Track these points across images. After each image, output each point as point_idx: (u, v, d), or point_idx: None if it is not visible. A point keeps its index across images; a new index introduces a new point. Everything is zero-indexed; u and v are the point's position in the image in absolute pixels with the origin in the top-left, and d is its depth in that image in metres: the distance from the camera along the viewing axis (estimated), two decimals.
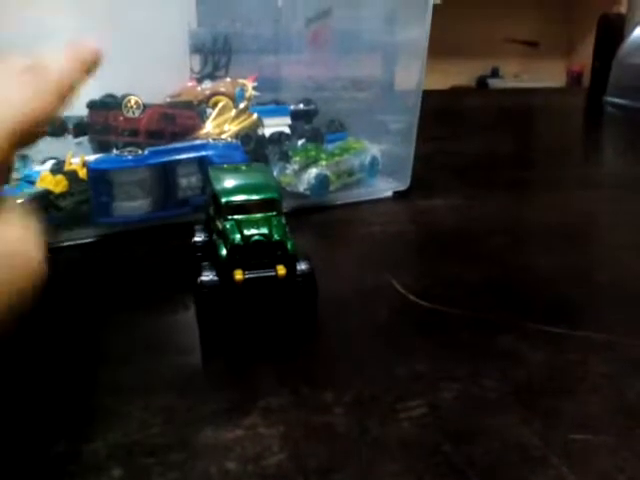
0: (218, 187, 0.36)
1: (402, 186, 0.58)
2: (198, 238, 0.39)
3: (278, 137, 0.58)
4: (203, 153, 0.48)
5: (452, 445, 0.27)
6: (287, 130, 0.60)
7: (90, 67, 0.31)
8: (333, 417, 0.28)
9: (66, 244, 0.46)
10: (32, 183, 0.45)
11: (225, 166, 0.41)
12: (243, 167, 0.41)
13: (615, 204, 0.59)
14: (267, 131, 0.58)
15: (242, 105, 0.57)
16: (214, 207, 0.36)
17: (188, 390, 0.30)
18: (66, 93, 0.29)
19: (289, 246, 0.34)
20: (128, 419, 0.28)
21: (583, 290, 0.41)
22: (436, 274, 0.43)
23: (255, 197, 0.35)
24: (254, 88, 0.63)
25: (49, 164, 0.48)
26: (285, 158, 0.55)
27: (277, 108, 0.62)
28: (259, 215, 0.35)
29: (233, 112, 0.56)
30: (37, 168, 0.48)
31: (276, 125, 0.60)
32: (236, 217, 0.34)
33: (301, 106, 0.64)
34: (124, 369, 0.32)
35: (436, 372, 0.32)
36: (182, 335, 0.36)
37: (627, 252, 0.48)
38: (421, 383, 0.31)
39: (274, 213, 0.35)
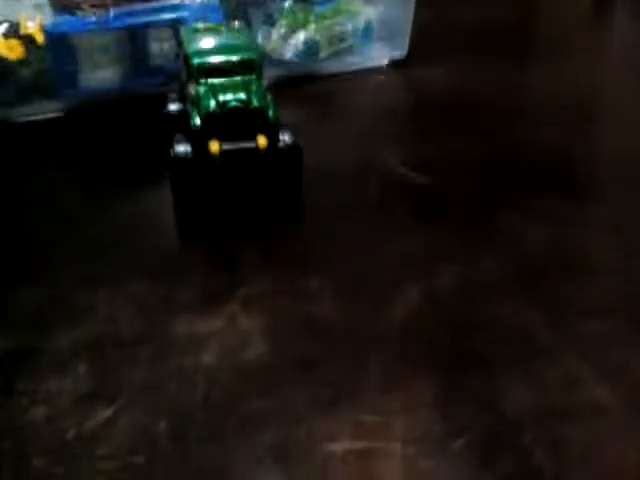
0: (190, 48, 0.32)
1: (398, 54, 0.53)
2: (172, 107, 0.35)
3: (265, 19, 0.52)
4: (177, 15, 0.43)
5: (450, 336, 0.24)
6: None
7: None
8: (318, 306, 0.26)
9: (28, 119, 0.42)
10: None
11: (200, 26, 0.36)
12: (221, 27, 0.37)
13: (618, 78, 0.54)
14: None
15: None
16: (187, 71, 0.32)
17: (161, 277, 0.28)
18: None
19: (270, 114, 0.30)
20: (94, 311, 0.26)
21: (587, 165, 0.38)
22: (432, 148, 0.39)
23: (232, 58, 0.31)
24: None
25: (2, 28, 0.43)
26: (270, 21, 0.49)
27: None
28: (236, 78, 0.31)
29: None
30: None
31: None
32: (210, 81, 0.31)
33: None
34: (92, 255, 0.29)
35: (431, 254, 0.29)
36: (156, 217, 0.33)
37: (626, 128, 0.44)
38: (414, 266, 0.28)
39: (253, 76, 0.31)
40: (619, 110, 0.48)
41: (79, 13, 0.43)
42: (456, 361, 0.23)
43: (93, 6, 0.44)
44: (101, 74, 0.42)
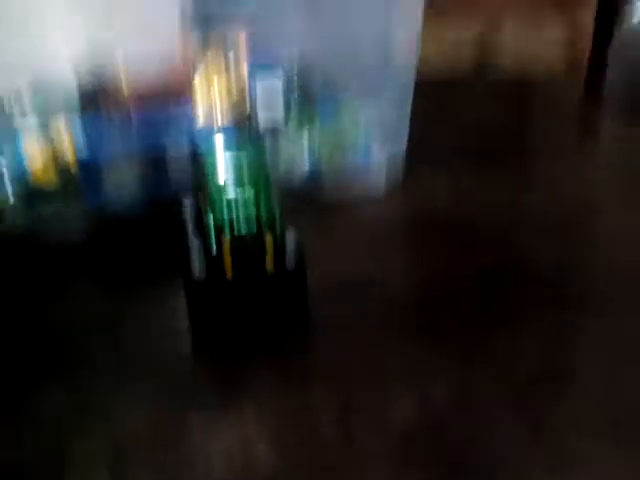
0: (209, 179, 0.35)
1: (397, 157, 0.57)
2: (189, 221, 0.38)
3: (271, 118, 0.56)
4: (194, 139, 0.47)
5: (445, 450, 0.27)
6: (280, 86, 0.58)
7: None
8: (323, 418, 0.29)
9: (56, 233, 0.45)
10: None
11: (217, 149, 0.40)
12: (235, 149, 0.40)
13: (613, 180, 0.58)
14: (259, 89, 0.56)
15: (233, 62, 0.55)
16: (206, 187, 0.36)
17: (175, 380, 0.31)
18: None
19: (279, 239, 0.34)
20: (110, 417, 0.28)
21: (581, 278, 0.41)
22: (430, 263, 0.43)
23: (245, 177, 0.35)
24: (246, 44, 0.61)
25: (39, 151, 0.46)
26: (277, 143, 0.54)
27: (270, 65, 0.60)
28: (250, 208, 0.34)
29: (223, 68, 0.54)
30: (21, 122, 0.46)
31: (268, 80, 0.58)
32: (226, 211, 0.34)
33: (294, 64, 0.62)
34: (109, 360, 0.32)
35: (428, 366, 0.32)
36: (172, 324, 0.36)
37: (623, 238, 0.48)
38: (412, 379, 0.31)
39: (264, 193, 0.35)
40: (612, 223, 0.52)
41: (102, 115, 0.47)
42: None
43: (114, 107, 0.49)
44: (124, 188, 0.46)
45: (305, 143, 0.53)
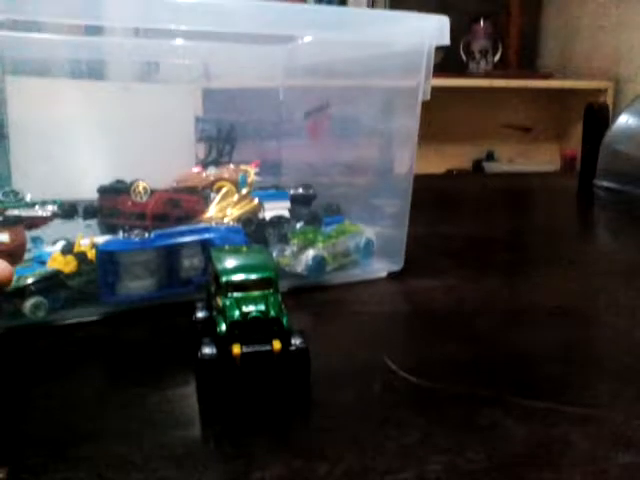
0: (219, 267, 0.39)
1: (396, 267, 0.61)
2: (200, 315, 0.41)
3: (278, 220, 0.61)
4: (206, 236, 0.51)
5: None
6: (287, 214, 0.63)
7: None
8: None
9: (71, 322, 0.47)
10: (44, 263, 0.48)
11: (226, 247, 0.44)
12: (243, 248, 0.44)
13: (603, 285, 0.61)
14: (267, 214, 0.61)
15: (244, 190, 0.60)
16: (215, 285, 0.39)
17: (186, 462, 0.32)
18: None
19: (284, 322, 0.36)
20: None
21: (568, 366, 0.43)
22: (427, 352, 0.45)
23: (253, 276, 0.38)
24: (256, 174, 0.66)
25: (60, 245, 0.51)
26: (284, 240, 0.57)
27: (277, 193, 0.65)
28: (257, 293, 0.37)
29: (235, 197, 0.59)
30: (48, 249, 0.51)
31: (276, 209, 0.63)
32: (235, 295, 0.37)
33: (300, 191, 0.68)
34: (123, 443, 0.33)
35: (424, 445, 0.33)
36: (182, 409, 0.37)
37: (615, 329, 0.50)
38: (409, 456, 0.32)
39: (271, 291, 0.37)
40: (603, 314, 0.54)
41: (122, 233, 0.51)
42: None
43: (134, 227, 0.53)
44: (138, 284, 0.49)
45: (309, 249, 0.56)
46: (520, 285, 0.61)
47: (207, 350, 0.36)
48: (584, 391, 0.40)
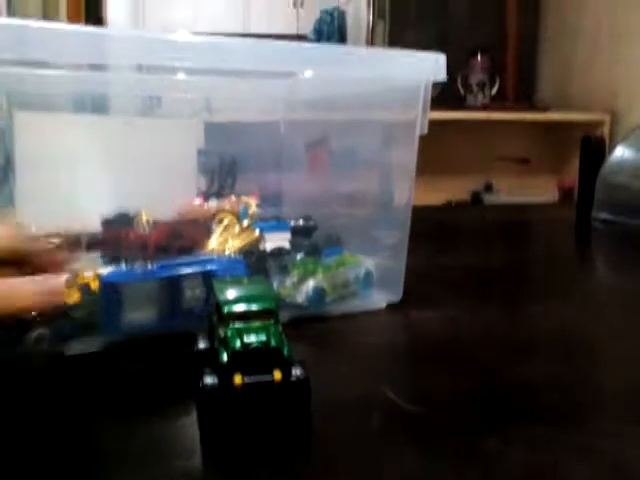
0: (221, 297, 0.39)
1: (395, 298, 0.61)
2: (201, 345, 0.42)
3: (278, 252, 0.61)
4: (207, 267, 0.52)
5: None
6: (287, 245, 0.63)
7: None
8: None
9: (73, 354, 0.48)
10: None
11: (228, 279, 0.44)
12: (245, 280, 0.44)
13: (603, 317, 0.61)
14: (268, 246, 0.61)
15: (245, 222, 0.61)
16: (217, 316, 0.39)
17: None
18: None
19: (285, 352, 0.37)
20: None
21: (568, 397, 0.43)
22: (427, 383, 0.45)
23: (254, 307, 0.38)
24: (257, 206, 0.67)
25: (63, 276, 0.51)
26: (284, 271, 0.58)
27: (278, 224, 0.66)
28: (258, 323, 0.38)
29: (237, 229, 0.60)
30: None
31: (277, 240, 0.63)
32: (237, 325, 0.37)
33: (301, 222, 0.68)
34: (123, 472, 0.33)
35: (425, 476, 0.33)
36: (183, 439, 0.37)
37: (615, 360, 0.50)
38: None
39: (272, 321, 0.38)
40: (603, 346, 0.54)
41: (125, 264, 0.52)
42: None
43: (137, 258, 0.53)
44: (141, 315, 0.49)
45: (309, 280, 0.57)
46: (519, 316, 0.62)
47: (209, 380, 0.36)
48: (585, 421, 0.40)
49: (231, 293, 0.39)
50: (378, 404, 0.41)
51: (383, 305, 0.60)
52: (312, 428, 0.37)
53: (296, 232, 0.67)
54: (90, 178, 0.64)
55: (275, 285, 0.57)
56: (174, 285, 0.50)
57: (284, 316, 0.53)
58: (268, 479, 0.33)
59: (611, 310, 0.63)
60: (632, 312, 0.62)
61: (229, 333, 0.37)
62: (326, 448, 0.36)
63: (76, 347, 0.48)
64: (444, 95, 1.95)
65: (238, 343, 0.36)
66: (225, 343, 0.37)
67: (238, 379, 0.35)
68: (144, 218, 0.56)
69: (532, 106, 2.62)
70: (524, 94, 2.68)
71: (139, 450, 0.36)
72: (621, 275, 0.79)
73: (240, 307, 0.38)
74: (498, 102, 2.53)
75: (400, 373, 0.48)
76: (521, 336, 0.56)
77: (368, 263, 0.63)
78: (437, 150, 1.90)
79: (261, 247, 0.60)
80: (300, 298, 0.56)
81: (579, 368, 0.49)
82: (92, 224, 0.59)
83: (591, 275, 0.85)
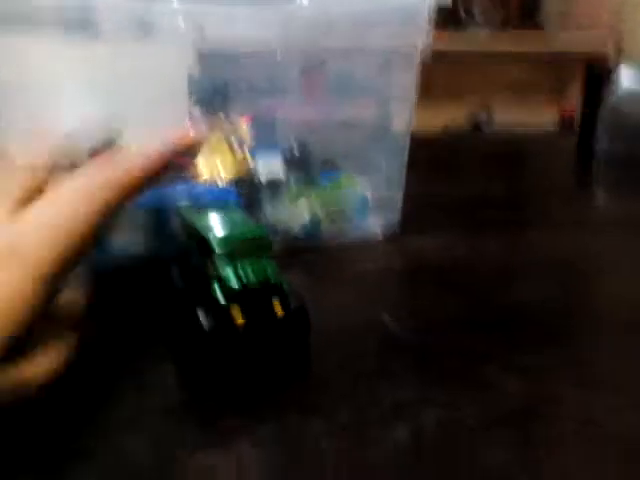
0: (205, 231, 0.36)
1: (392, 225, 0.60)
2: (177, 282, 0.40)
3: (271, 179, 0.60)
4: (197, 195, 0.50)
5: (434, 471, 0.28)
6: (281, 172, 0.61)
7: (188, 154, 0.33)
8: (321, 443, 0.29)
9: None
10: None
11: (198, 208, 0.42)
12: (220, 210, 0.41)
13: (603, 242, 0.60)
14: (261, 173, 0.60)
15: (237, 148, 0.59)
16: (200, 251, 0.37)
17: (177, 416, 0.31)
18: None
19: (284, 287, 0.35)
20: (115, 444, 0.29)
21: (566, 323, 0.43)
22: (423, 309, 0.44)
23: (248, 242, 0.36)
24: (249, 130, 0.65)
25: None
26: (278, 199, 0.56)
27: (271, 149, 0.64)
28: (253, 258, 0.35)
29: (227, 153, 0.58)
30: None
31: (270, 166, 0.61)
32: (231, 262, 0.35)
33: (295, 147, 0.66)
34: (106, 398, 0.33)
35: (420, 401, 0.33)
36: (170, 369, 0.37)
37: (614, 289, 0.49)
38: (405, 411, 0.32)
39: (266, 255, 0.36)
40: (601, 274, 0.54)
41: None
42: None
43: None
44: (127, 242, 0.48)
45: (304, 207, 0.55)
46: (517, 242, 0.61)
47: (206, 322, 0.34)
48: (581, 347, 0.40)
49: (218, 226, 0.37)
50: (375, 331, 0.40)
51: (379, 232, 0.59)
52: (308, 357, 0.37)
53: (290, 157, 0.65)
54: (76, 105, 0.61)
55: (268, 213, 0.55)
56: (161, 213, 0.49)
57: (278, 245, 0.53)
58: (260, 404, 0.32)
59: (611, 238, 0.62)
60: (632, 240, 0.61)
61: (224, 272, 0.35)
62: (321, 373, 0.36)
63: None
64: (446, 21, 1.89)
65: (236, 282, 0.34)
66: (219, 281, 0.35)
67: (239, 319, 0.34)
68: (132, 145, 0.54)
69: (535, 30, 2.54)
70: (528, 18, 2.60)
71: (131, 375, 0.35)
72: (622, 204, 0.78)
73: (234, 243, 0.35)
74: (501, 27, 2.45)
75: (396, 299, 0.47)
76: (519, 262, 0.55)
77: (365, 190, 0.61)
78: (436, 76, 1.85)
79: (253, 173, 0.58)
80: (295, 226, 0.55)
81: (577, 294, 0.48)
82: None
83: (591, 203, 0.83)
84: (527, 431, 0.30)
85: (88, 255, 0.32)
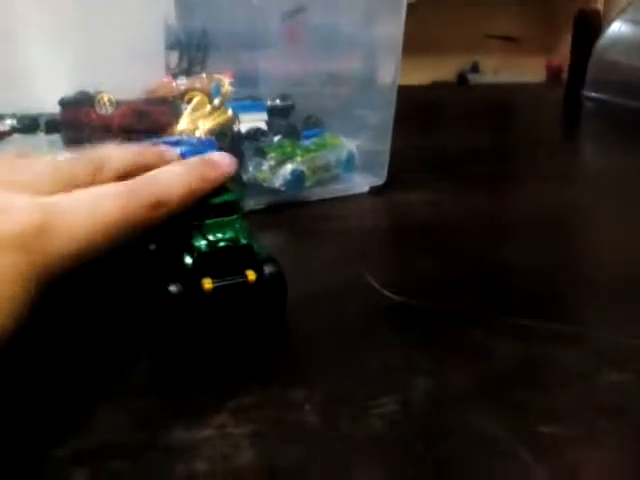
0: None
1: (378, 181, 0.58)
2: (150, 245, 0.37)
3: (254, 133, 0.57)
4: (177, 150, 0.48)
5: (422, 441, 0.27)
6: (263, 126, 0.59)
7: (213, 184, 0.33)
8: (304, 415, 0.28)
9: None
10: None
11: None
12: None
13: (590, 196, 0.59)
14: (243, 127, 0.57)
15: (217, 101, 0.56)
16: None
17: (156, 391, 0.30)
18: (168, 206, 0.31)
19: (256, 249, 0.33)
20: (95, 422, 0.28)
21: (555, 284, 0.42)
22: (410, 269, 0.43)
23: (216, 200, 0.34)
24: (230, 84, 0.63)
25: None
26: (261, 154, 0.54)
27: (253, 104, 0.62)
28: (223, 219, 0.33)
29: (208, 108, 0.55)
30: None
31: (252, 121, 0.59)
32: (198, 222, 0.33)
33: (278, 102, 0.64)
34: (87, 374, 0.32)
35: (407, 367, 0.32)
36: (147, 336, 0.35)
37: (602, 246, 0.48)
38: (392, 379, 0.31)
39: (237, 216, 0.34)
40: (589, 230, 0.53)
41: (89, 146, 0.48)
42: (429, 467, 0.25)
43: (99, 140, 0.49)
44: None
45: (287, 162, 0.53)
46: (505, 199, 0.59)
47: (173, 287, 0.32)
48: (571, 309, 0.39)
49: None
50: (358, 293, 0.39)
51: (366, 189, 0.58)
52: (288, 323, 0.35)
53: (273, 112, 0.62)
54: (46, 53, 0.58)
55: (251, 169, 0.53)
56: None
57: (260, 201, 0.51)
58: (241, 376, 0.31)
59: (600, 193, 0.61)
60: (622, 195, 0.60)
61: (193, 236, 0.32)
62: (303, 341, 0.35)
63: None
64: None
65: (203, 243, 0.32)
66: (189, 246, 0.32)
67: (208, 283, 0.31)
68: (106, 97, 0.52)
69: None
70: None
71: (96, 353, 0.34)
72: (611, 156, 0.77)
73: (203, 208, 0.33)
74: None
75: (383, 259, 0.46)
76: (507, 221, 0.54)
77: (350, 145, 0.59)
78: (422, 28, 1.81)
79: (235, 128, 0.56)
80: (278, 182, 0.53)
81: (566, 254, 0.47)
82: (50, 105, 0.54)
83: (579, 157, 0.82)
84: (519, 397, 0.30)
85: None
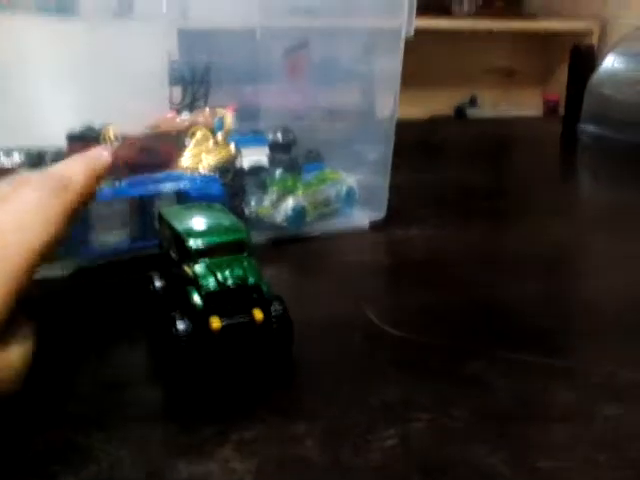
0: (181, 229, 0.35)
1: (378, 216, 0.59)
2: (157, 284, 0.38)
3: (256, 168, 0.58)
4: (180, 185, 0.49)
5: (422, 475, 0.27)
6: (265, 160, 0.60)
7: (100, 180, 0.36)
8: (305, 448, 0.28)
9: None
10: None
11: (177, 207, 0.41)
12: (200, 207, 0.39)
13: (589, 233, 0.60)
14: (245, 162, 0.58)
15: (220, 136, 0.57)
16: (177, 251, 0.35)
17: (160, 424, 0.30)
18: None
19: (264, 288, 0.33)
20: (94, 455, 0.28)
21: (552, 318, 0.42)
22: (409, 304, 0.44)
23: (225, 239, 0.34)
24: (233, 118, 0.64)
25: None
26: (262, 189, 0.55)
27: (255, 138, 0.63)
28: (231, 257, 0.33)
29: (211, 143, 0.56)
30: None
31: (254, 155, 0.60)
32: (208, 261, 0.33)
33: (279, 136, 0.65)
34: (87, 405, 0.32)
35: (407, 402, 0.32)
36: (152, 370, 0.36)
37: (600, 280, 0.49)
38: (392, 413, 0.31)
39: (245, 254, 0.34)
40: (587, 265, 0.53)
41: None
42: None
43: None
44: (111, 236, 0.47)
45: (288, 197, 0.54)
46: (503, 234, 0.60)
47: (181, 326, 0.32)
48: (568, 343, 0.39)
49: (192, 223, 0.35)
50: (359, 326, 0.40)
51: (366, 223, 0.58)
52: (291, 355, 0.36)
53: (274, 146, 0.63)
54: (53, 87, 0.59)
55: (253, 204, 0.54)
56: (145, 204, 0.48)
57: (262, 237, 0.52)
58: (244, 409, 0.31)
59: (597, 228, 0.61)
60: (618, 230, 0.61)
61: (200, 271, 0.33)
62: (305, 374, 0.35)
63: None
64: (429, 3, 1.87)
65: (212, 282, 0.32)
66: (195, 283, 0.33)
67: (216, 323, 0.32)
68: (111, 132, 0.53)
69: (519, 14, 2.53)
70: (511, 3, 2.59)
71: (112, 375, 0.34)
72: (608, 191, 0.77)
73: (209, 240, 0.34)
74: (484, 9, 2.44)
75: (383, 294, 0.47)
76: (505, 255, 0.54)
77: (350, 180, 0.60)
78: (420, 62, 1.84)
79: (237, 163, 0.57)
80: (279, 217, 0.54)
81: (564, 289, 0.48)
82: (56, 139, 0.55)
83: (577, 191, 0.83)
84: (518, 431, 0.30)
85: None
